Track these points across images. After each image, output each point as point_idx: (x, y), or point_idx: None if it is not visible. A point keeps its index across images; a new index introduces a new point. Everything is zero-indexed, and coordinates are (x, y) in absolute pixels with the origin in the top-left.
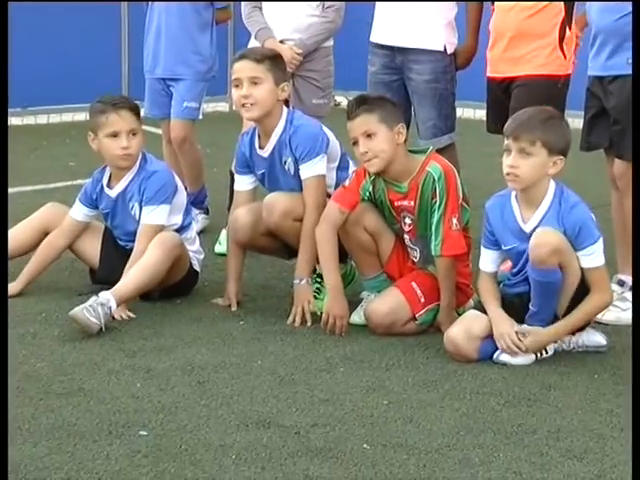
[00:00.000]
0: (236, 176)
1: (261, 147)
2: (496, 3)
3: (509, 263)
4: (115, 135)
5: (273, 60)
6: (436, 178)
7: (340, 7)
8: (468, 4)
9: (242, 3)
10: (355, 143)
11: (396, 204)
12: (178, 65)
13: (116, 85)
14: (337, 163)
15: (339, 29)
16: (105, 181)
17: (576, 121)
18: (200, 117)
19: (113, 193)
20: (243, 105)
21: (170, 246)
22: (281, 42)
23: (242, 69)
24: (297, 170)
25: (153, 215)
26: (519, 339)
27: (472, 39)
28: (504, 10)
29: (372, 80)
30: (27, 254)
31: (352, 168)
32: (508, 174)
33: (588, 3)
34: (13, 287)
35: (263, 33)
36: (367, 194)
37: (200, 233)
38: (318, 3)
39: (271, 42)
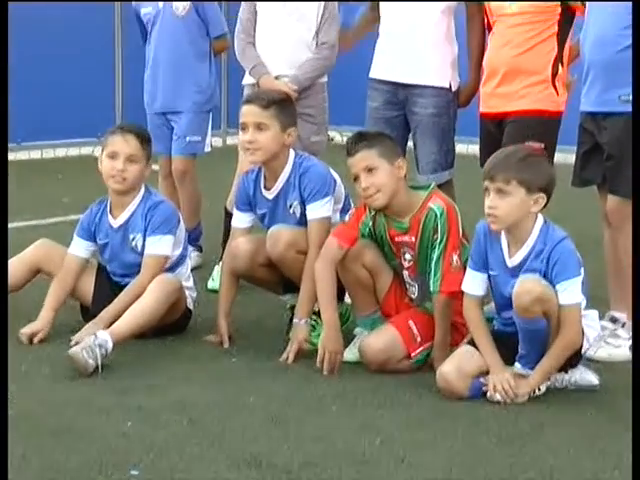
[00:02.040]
0: (235, 212)
1: (267, 188)
2: (489, 40)
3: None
4: (113, 156)
5: (280, 105)
6: (438, 215)
7: (334, 44)
8: (470, 42)
9: (235, 39)
10: (356, 179)
11: (397, 240)
12: (177, 98)
13: (110, 121)
14: (342, 205)
15: (333, 66)
16: (107, 210)
17: (568, 157)
18: (207, 149)
19: (115, 223)
20: (247, 149)
21: (170, 290)
22: (276, 78)
23: (248, 114)
24: (302, 213)
25: (158, 245)
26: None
27: (475, 76)
28: (497, 47)
29: (373, 116)
30: (18, 291)
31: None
32: (488, 215)
33: (581, 36)
34: (37, 338)
35: (258, 69)
36: (367, 230)
37: (193, 270)
38: (313, 40)
39: (266, 79)
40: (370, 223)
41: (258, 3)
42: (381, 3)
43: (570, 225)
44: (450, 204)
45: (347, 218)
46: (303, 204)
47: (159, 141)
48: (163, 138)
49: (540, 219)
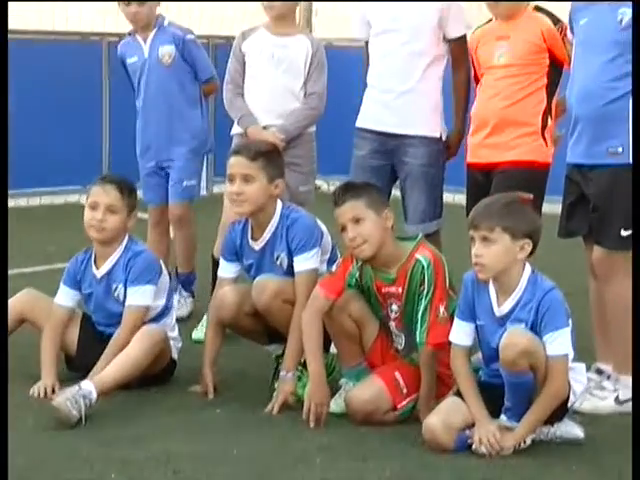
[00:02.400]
0: (222, 262)
1: (254, 238)
2: (478, 92)
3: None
4: (94, 206)
5: (268, 157)
6: (425, 266)
7: (322, 94)
8: (456, 91)
9: (224, 89)
10: (343, 229)
11: (383, 291)
12: (172, 147)
13: (97, 170)
14: (328, 255)
15: (321, 115)
16: (92, 260)
17: (555, 207)
18: (203, 193)
19: (99, 273)
20: (234, 200)
21: (155, 341)
22: (264, 128)
23: (236, 165)
24: (289, 265)
25: (139, 295)
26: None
27: (461, 126)
28: (486, 98)
29: (360, 164)
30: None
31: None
32: (475, 264)
33: (567, 89)
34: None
35: (246, 120)
36: (353, 281)
37: (188, 317)
38: (301, 90)
39: (254, 129)
40: (357, 274)
41: (247, 54)
42: (370, 51)
43: (557, 276)
44: (437, 255)
45: (334, 269)
46: (290, 256)
47: (151, 190)
48: (156, 187)
49: (528, 268)
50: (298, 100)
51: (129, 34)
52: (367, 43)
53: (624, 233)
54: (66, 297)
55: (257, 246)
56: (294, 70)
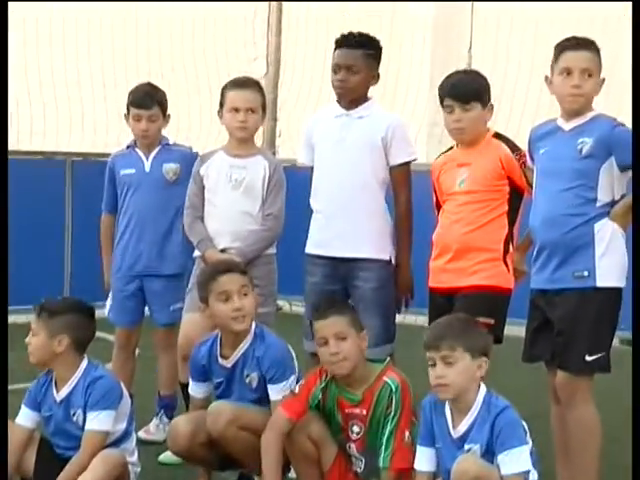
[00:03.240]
0: (191, 382)
1: (223, 356)
2: (440, 218)
3: None
4: (34, 334)
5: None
6: (394, 389)
7: (279, 215)
8: (399, 222)
9: (184, 213)
10: (325, 343)
11: (347, 411)
12: (160, 265)
13: (58, 289)
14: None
15: (279, 237)
16: (52, 383)
17: (515, 329)
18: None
19: (58, 397)
20: (235, 318)
21: (114, 465)
22: (222, 251)
23: (229, 282)
24: (259, 384)
25: (98, 421)
26: None
27: (405, 261)
28: (448, 224)
29: (314, 290)
30: None
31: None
32: (437, 385)
33: (531, 218)
34: None
35: (203, 244)
36: (316, 402)
37: (164, 441)
38: (259, 211)
39: (211, 252)
40: (320, 395)
41: (205, 177)
42: (315, 176)
43: (518, 399)
44: (404, 379)
45: (297, 389)
46: (261, 377)
47: (125, 312)
48: (131, 310)
49: (483, 388)
50: (257, 222)
51: (128, 147)
52: (312, 168)
53: (589, 358)
54: (26, 418)
55: (228, 364)
56: (253, 192)
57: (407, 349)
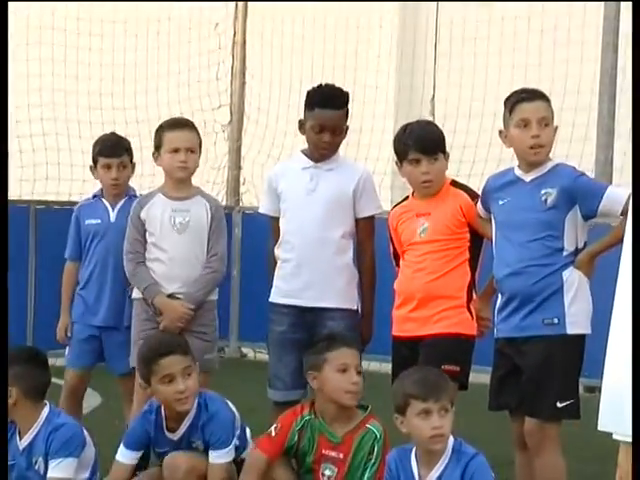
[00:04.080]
0: (122, 448)
1: (169, 429)
2: (401, 267)
3: None
4: None
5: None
6: (378, 437)
7: (223, 255)
8: (364, 275)
9: (124, 258)
10: (344, 371)
11: (324, 452)
12: (118, 315)
13: (21, 337)
14: (238, 432)
15: (224, 276)
16: (16, 432)
17: (481, 376)
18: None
19: (21, 446)
20: (179, 400)
21: None
22: (169, 296)
23: (175, 363)
24: (205, 450)
25: (59, 468)
26: None
27: (370, 307)
28: (410, 273)
29: (279, 340)
30: None
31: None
32: (435, 436)
33: (494, 269)
34: None
35: (151, 289)
36: (292, 443)
37: None
38: (203, 254)
39: (160, 298)
40: (296, 437)
41: (146, 221)
42: (282, 225)
43: (483, 447)
44: (385, 429)
45: (273, 432)
46: (206, 444)
47: (82, 355)
48: (88, 352)
49: (451, 437)
50: (201, 264)
51: (94, 196)
52: (272, 218)
53: (559, 404)
54: None
55: (175, 437)
56: (199, 235)
57: (372, 396)
